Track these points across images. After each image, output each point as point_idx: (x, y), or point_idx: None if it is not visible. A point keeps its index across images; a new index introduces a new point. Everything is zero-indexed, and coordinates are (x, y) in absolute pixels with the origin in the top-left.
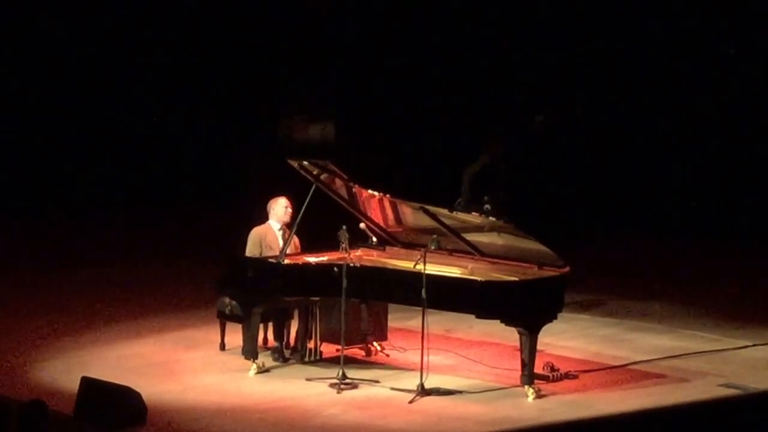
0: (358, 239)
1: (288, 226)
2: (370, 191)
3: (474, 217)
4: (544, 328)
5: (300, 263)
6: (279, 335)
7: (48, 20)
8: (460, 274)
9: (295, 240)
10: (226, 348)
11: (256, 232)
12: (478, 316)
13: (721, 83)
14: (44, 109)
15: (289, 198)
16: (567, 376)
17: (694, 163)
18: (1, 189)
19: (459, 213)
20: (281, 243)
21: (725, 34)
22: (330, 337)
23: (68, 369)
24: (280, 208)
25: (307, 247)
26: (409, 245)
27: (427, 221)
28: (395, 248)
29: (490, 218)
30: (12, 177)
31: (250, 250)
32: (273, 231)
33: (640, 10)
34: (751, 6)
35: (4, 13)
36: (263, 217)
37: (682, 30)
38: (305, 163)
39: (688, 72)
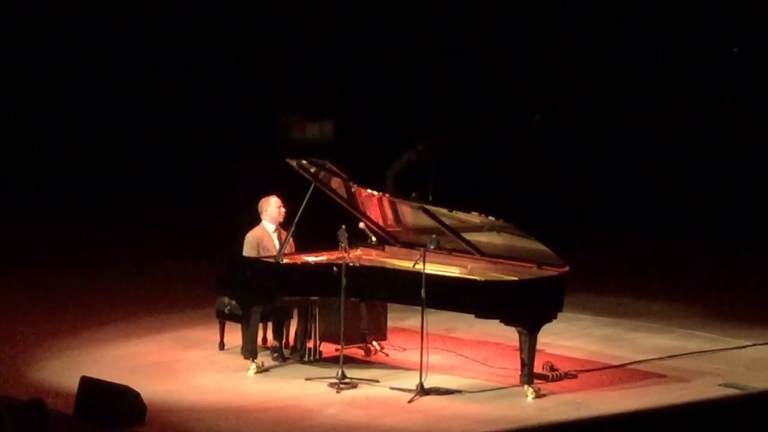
0: (358, 239)
1: (283, 226)
2: (369, 190)
3: (473, 217)
4: (544, 327)
5: (299, 263)
6: (278, 335)
7: (48, 20)
8: (460, 273)
9: (290, 239)
10: (226, 348)
11: (252, 236)
12: (478, 316)
13: (724, 82)
14: (44, 108)
15: (280, 196)
16: (566, 375)
17: (694, 162)
18: (1, 188)
19: (458, 212)
20: (278, 245)
21: (729, 33)
22: (329, 337)
23: (67, 368)
24: (273, 209)
25: (306, 247)
26: (409, 245)
27: (426, 221)
28: (394, 248)
29: (490, 218)
30: (12, 176)
31: (248, 254)
32: (268, 234)
33: (640, 9)
34: (754, 5)
35: (6, 14)
36: (258, 217)
37: (684, 29)
38: (304, 162)
39: (689, 71)
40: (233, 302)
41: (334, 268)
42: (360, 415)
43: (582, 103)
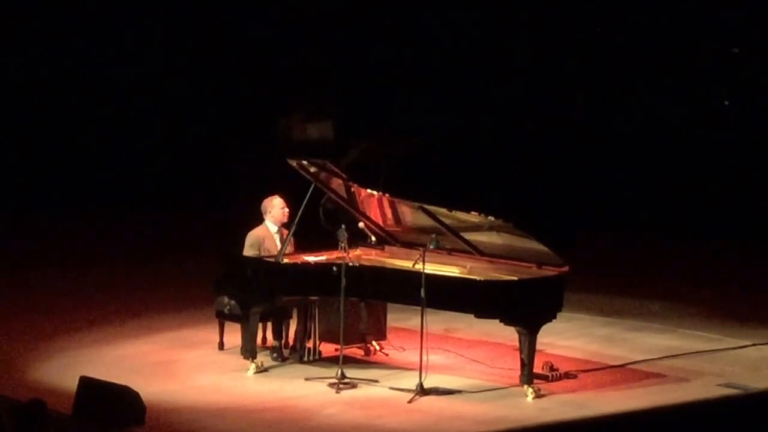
0: (357, 238)
1: (285, 226)
2: (368, 190)
3: (473, 216)
4: (544, 327)
5: (299, 262)
6: (278, 335)
7: (49, 21)
8: (459, 273)
9: (291, 239)
10: (225, 347)
11: (254, 236)
12: (477, 316)
13: (724, 82)
14: (45, 108)
15: (282, 197)
16: (566, 375)
17: (694, 162)
18: (1, 188)
19: (458, 212)
20: (279, 246)
21: (728, 33)
22: (329, 337)
23: (67, 368)
24: (277, 210)
25: (305, 247)
26: (408, 244)
27: (426, 220)
28: (394, 247)
29: (490, 217)
30: (12, 176)
31: (248, 253)
32: (271, 234)
33: (640, 9)
34: (753, 5)
35: (5, 14)
36: (259, 217)
37: (684, 29)
38: (304, 162)
39: (689, 71)
40: (233, 302)
41: (334, 268)
42: (359, 416)
43: (582, 104)
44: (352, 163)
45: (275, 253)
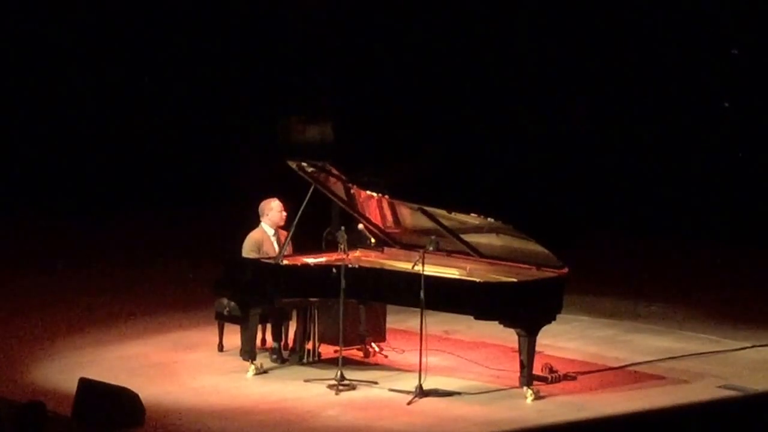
0: (357, 240)
1: (283, 227)
2: (368, 192)
3: (472, 218)
4: (543, 329)
5: (298, 264)
6: (277, 336)
7: (49, 21)
8: (459, 275)
9: (290, 241)
10: (225, 349)
11: (252, 239)
12: (477, 318)
13: (724, 83)
14: (45, 108)
15: (281, 199)
16: (566, 377)
17: (694, 162)
18: (1, 188)
19: (457, 214)
20: (277, 248)
21: (728, 34)
22: (328, 338)
23: (66, 370)
24: (275, 213)
25: (305, 248)
26: (408, 246)
27: (425, 222)
28: (394, 249)
29: (489, 219)
30: (12, 176)
31: (248, 256)
32: (268, 237)
33: (640, 10)
34: (753, 6)
35: (4, 14)
36: (257, 219)
37: (684, 30)
38: (304, 163)
39: (689, 72)
40: (232, 304)
41: (334, 270)
42: (359, 417)
43: (584, 105)
44: None
45: (274, 255)
